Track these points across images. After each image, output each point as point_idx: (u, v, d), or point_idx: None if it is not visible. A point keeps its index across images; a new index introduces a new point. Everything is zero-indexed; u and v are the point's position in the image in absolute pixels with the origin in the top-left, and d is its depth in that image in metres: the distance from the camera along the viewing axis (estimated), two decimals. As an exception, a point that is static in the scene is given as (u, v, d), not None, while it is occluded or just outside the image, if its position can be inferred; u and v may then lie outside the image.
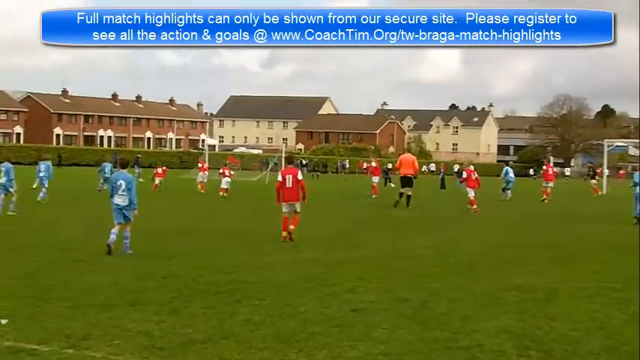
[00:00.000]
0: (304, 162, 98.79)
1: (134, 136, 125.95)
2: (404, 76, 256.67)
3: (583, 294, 10.93)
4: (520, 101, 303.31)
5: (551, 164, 44.46)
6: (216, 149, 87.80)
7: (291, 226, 17.06)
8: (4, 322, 8.51)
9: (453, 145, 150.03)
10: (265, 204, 31.34)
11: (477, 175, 29.90)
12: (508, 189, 42.35)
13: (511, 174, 44.13)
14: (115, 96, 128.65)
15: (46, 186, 26.69)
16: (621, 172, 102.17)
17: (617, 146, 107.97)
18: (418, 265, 13.58)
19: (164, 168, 41.46)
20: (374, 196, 36.80)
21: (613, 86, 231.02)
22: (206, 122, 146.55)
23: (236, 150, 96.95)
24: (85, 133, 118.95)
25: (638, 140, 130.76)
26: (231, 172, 36.73)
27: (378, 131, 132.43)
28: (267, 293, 10.56)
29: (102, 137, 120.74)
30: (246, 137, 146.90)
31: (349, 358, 7.50)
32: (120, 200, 14.27)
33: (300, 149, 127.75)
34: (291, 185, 17.14)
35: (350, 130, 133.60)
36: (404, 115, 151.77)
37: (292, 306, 9.70)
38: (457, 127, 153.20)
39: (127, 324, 8.57)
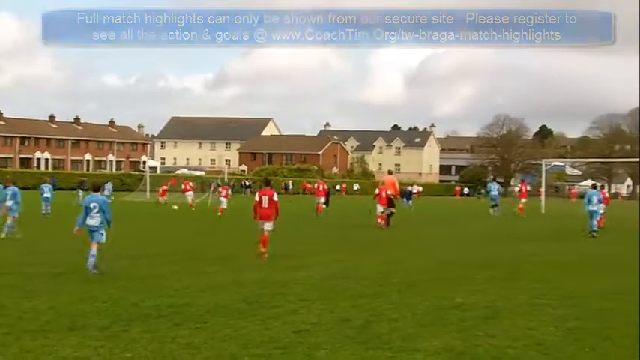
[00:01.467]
0: (247, 183, 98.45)
1: (72, 158, 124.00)
2: (347, 97, 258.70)
3: (521, 311, 11.09)
4: (461, 122, 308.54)
5: (526, 183, 46.22)
6: (158, 171, 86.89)
7: (263, 249, 18.16)
8: None
9: (396, 165, 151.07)
10: (208, 227, 31.15)
11: (387, 193, 31.81)
12: (494, 206, 43.36)
13: (494, 192, 45.14)
14: (52, 117, 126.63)
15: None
16: (572, 191, 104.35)
17: (554, 166, 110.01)
18: (361, 285, 13.61)
19: (164, 188, 47.51)
20: (317, 215, 38.00)
21: (550, 107, 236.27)
22: (147, 144, 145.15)
23: (178, 172, 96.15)
24: (21, 156, 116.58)
25: (574, 160, 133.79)
26: (229, 193, 39.11)
27: (321, 152, 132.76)
28: (209, 316, 10.46)
29: (39, 160, 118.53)
30: (188, 159, 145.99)
31: (291, 380, 7.47)
32: (93, 222, 15.08)
33: (244, 170, 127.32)
34: (267, 205, 18.46)
35: (293, 151, 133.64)
36: (347, 136, 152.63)
37: (234, 328, 9.63)
38: (399, 148, 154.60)
39: (63, 350, 8.39)
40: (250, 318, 10.34)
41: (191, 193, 46.50)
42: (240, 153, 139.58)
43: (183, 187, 49.16)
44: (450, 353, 8.43)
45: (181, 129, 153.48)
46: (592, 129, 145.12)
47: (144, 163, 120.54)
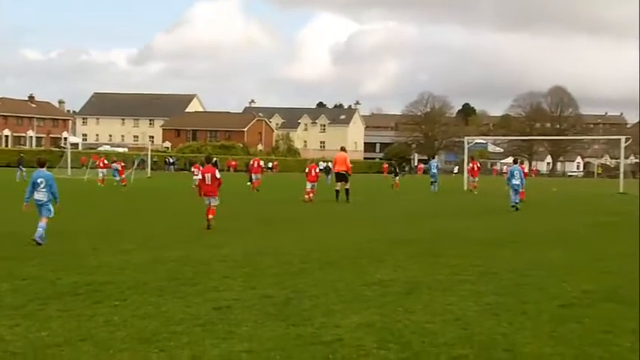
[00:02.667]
0: (172, 160, 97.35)
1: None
2: (272, 74, 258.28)
3: (440, 287, 11.25)
4: (386, 99, 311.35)
5: (477, 162, 48.01)
6: (80, 147, 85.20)
7: (210, 216, 19.11)
8: None
9: (321, 142, 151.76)
10: (129, 205, 30.72)
11: (316, 171, 34.05)
12: (434, 182, 44.63)
13: (434, 169, 46.66)
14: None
15: None
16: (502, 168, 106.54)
17: (477, 143, 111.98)
18: (283, 262, 13.61)
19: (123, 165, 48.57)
20: (253, 191, 40.37)
21: (473, 85, 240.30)
22: (69, 120, 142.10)
23: (100, 148, 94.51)
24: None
25: (496, 137, 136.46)
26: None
27: (246, 129, 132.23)
28: (129, 293, 10.32)
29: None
30: (110, 135, 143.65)
31: (212, 357, 7.41)
32: (40, 196, 15.65)
33: (167, 147, 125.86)
34: (210, 182, 19.62)
35: (218, 127, 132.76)
36: (272, 112, 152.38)
37: (154, 305, 9.53)
38: (324, 125, 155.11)
39: (-23, 330, 8.17)
40: (171, 295, 10.24)
41: (104, 170, 47.53)
42: (163, 129, 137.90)
43: (97, 163, 50.01)
44: (370, 329, 8.51)
45: (104, 105, 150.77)
46: (514, 107, 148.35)
47: (65, 139, 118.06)
